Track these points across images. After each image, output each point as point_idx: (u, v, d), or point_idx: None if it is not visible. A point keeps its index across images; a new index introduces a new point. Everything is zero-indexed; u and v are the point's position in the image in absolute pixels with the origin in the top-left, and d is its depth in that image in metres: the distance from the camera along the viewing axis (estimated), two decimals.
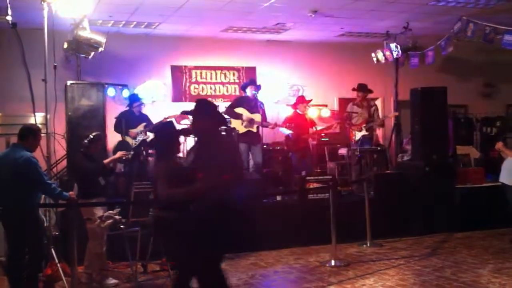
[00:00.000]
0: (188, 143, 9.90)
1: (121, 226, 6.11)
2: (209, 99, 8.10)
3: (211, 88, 11.90)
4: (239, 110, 9.23)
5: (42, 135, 6.23)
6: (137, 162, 8.78)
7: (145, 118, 9.59)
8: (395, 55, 10.86)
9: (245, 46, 11.79)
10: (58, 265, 6.13)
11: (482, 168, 9.90)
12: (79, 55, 9.16)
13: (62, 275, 6.07)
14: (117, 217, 6.09)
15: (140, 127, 9.33)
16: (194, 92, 11.76)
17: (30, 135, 5.81)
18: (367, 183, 8.47)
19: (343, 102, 11.66)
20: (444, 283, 6.09)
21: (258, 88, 9.44)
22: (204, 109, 4.67)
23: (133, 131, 9.30)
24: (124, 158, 7.11)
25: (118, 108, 9.84)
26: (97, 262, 6.30)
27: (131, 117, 9.43)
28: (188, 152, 4.99)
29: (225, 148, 4.63)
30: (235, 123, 9.19)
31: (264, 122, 9.33)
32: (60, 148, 8.46)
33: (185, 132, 6.45)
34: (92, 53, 8.79)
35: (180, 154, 5.98)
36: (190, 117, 5.13)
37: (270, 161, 10.28)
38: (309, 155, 10.04)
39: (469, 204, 9.12)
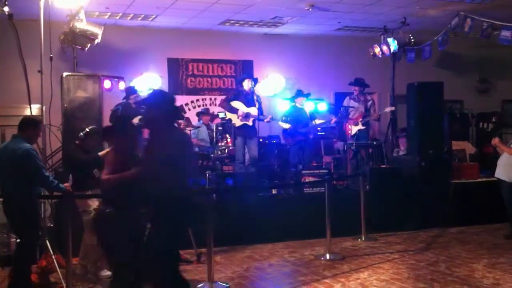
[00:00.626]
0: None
1: None
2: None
3: (207, 81, 11.90)
4: (235, 103, 9.22)
5: None
6: None
7: (141, 111, 9.55)
8: (392, 50, 10.87)
9: (242, 40, 11.78)
10: (53, 256, 6.13)
11: (477, 163, 9.93)
12: (75, 46, 9.13)
13: (57, 266, 6.07)
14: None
15: (136, 120, 9.29)
16: (191, 85, 11.76)
17: (30, 126, 5.79)
18: (363, 178, 8.48)
19: (340, 96, 11.65)
20: (439, 278, 6.12)
21: (255, 81, 9.42)
22: (157, 100, 4.61)
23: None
24: None
25: (114, 100, 9.80)
26: (92, 254, 6.30)
27: (128, 110, 9.39)
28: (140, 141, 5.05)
29: (173, 141, 4.46)
30: (231, 116, 9.19)
31: (260, 115, 9.31)
32: (55, 140, 8.43)
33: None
34: (89, 45, 8.76)
35: None
36: None
37: (266, 154, 10.29)
38: (307, 149, 10.03)
39: (464, 199, 9.15)
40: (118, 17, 10.16)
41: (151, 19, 10.41)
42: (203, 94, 11.87)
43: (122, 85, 10.13)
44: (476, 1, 9.60)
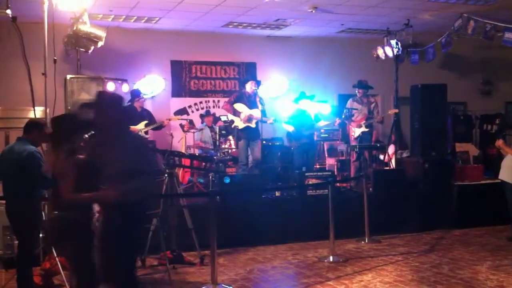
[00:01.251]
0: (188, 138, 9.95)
1: None
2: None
3: (211, 83, 11.91)
4: (238, 105, 9.22)
5: None
6: None
7: (146, 116, 9.53)
8: (395, 52, 10.85)
9: (245, 42, 11.79)
10: (57, 259, 6.13)
11: (481, 165, 9.91)
12: (79, 49, 9.16)
13: (61, 269, 6.08)
14: None
15: (141, 125, 9.28)
16: (194, 87, 11.78)
17: (35, 129, 5.79)
18: (366, 180, 8.47)
19: (344, 98, 11.65)
20: (442, 280, 6.11)
21: (258, 83, 9.42)
22: (108, 103, 4.33)
23: (134, 128, 9.25)
24: None
25: None
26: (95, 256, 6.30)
27: (133, 113, 9.38)
28: (90, 147, 4.51)
29: (127, 147, 4.19)
30: (234, 119, 9.19)
31: (263, 117, 9.31)
32: None
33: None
34: (92, 47, 8.79)
35: None
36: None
37: (269, 156, 10.29)
38: (311, 151, 10.02)
39: (467, 201, 9.13)
40: (121, 19, 10.18)
41: (154, 21, 10.43)
42: (206, 96, 11.88)
43: (125, 87, 10.17)
44: (479, 2, 9.59)
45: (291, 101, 10.82)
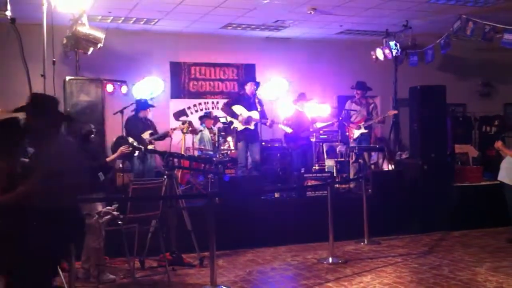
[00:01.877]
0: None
1: (119, 222, 6.11)
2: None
3: (210, 85, 11.92)
4: (237, 107, 9.20)
5: None
6: (136, 158, 8.80)
7: (150, 124, 9.45)
8: (394, 53, 10.88)
9: (244, 43, 11.80)
10: None
11: (480, 166, 9.91)
12: (78, 50, 9.15)
13: (60, 270, 6.07)
14: (115, 213, 6.09)
15: (146, 134, 9.23)
16: (193, 88, 11.78)
17: None
18: (365, 181, 8.47)
19: (343, 99, 11.66)
20: (441, 281, 6.10)
21: (257, 85, 9.41)
22: (40, 106, 4.22)
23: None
24: (125, 152, 7.05)
25: (116, 104, 9.82)
26: (95, 257, 6.30)
27: (137, 122, 9.32)
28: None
29: (60, 150, 4.13)
30: (233, 120, 9.18)
31: (262, 119, 9.30)
32: None
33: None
34: (91, 49, 8.79)
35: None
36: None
37: (268, 158, 10.29)
38: (309, 152, 10.02)
39: (467, 203, 9.12)
40: (120, 21, 10.18)
41: (153, 23, 10.44)
42: (206, 98, 11.89)
43: (124, 89, 10.16)
44: (478, 4, 9.60)
45: (290, 102, 10.83)
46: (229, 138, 9.94)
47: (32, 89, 6.60)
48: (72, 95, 8.20)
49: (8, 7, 6.45)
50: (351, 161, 10.05)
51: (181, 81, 11.70)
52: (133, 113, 9.27)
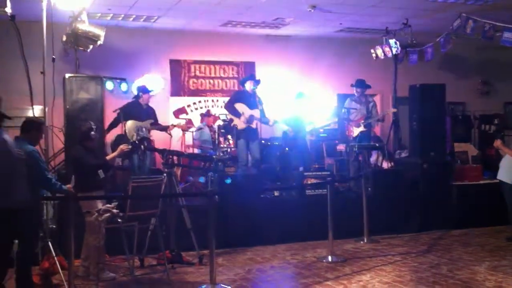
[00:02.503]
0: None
1: (119, 220, 6.11)
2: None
3: (210, 83, 11.91)
4: (239, 105, 9.16)
5: None
6: (136, 156, 8.78)
7: (151, 113, 9.43)
8: (394, 52, 10.85)
9: (244, 41, 11.79)
10: (55, 258, 6.12)
11: (479, 165, 9.91)
12: (78, 48, 9.12)
13: (59, 268, 6.07)
14: (114, 210, 6.08)
15: (147, 123, 9.20)
16: (193, 86, 11.77)
17: (33, 128, 5.78)
18: (365, 180, 8.47)
19: (343, 97, 11.65)
20: (441, 280, 6.11)
21: (257, 83, 9.39)
22: None
23: (140, 124, 9.16)
24: (125, 150, 7.04)
25: (116, 101, 9.81)
26: (94, 255, 6.30)
27: (138, 109, 9.28)
28: None
29: None
30: (235, 119, 9.14)
31: (262, 118, 9.27)
32: (57, 141, 8.44)
33: None
34: (91, 46, 8.75)
35: None
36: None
37: (268, 156, 10.28)
38: (306, 151, 10.01)
39: (466, 202, 9.14)
40: (120, 18, 10.17)
41: (153, 20, 10.42)
42: (206, 96, 11.88)
43: (124, 86, 10.16)
44: (478, 2, 9.60)
45: (289, 100, 10.82)
46: (230, 136, 9.93)
47: (31, 87, 6.59)
48: (72, 93, 8.15)
49: (8, 4, 6.43)
50: (351, 160, 10.05)
51: (181, 79, 11.69)
52: (133, 99, 9.28)
